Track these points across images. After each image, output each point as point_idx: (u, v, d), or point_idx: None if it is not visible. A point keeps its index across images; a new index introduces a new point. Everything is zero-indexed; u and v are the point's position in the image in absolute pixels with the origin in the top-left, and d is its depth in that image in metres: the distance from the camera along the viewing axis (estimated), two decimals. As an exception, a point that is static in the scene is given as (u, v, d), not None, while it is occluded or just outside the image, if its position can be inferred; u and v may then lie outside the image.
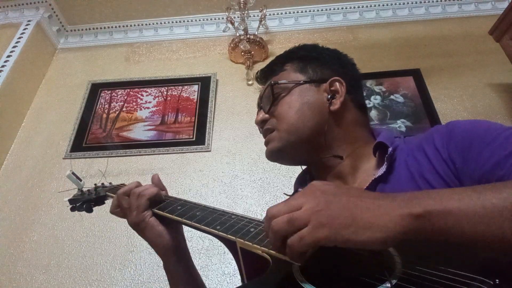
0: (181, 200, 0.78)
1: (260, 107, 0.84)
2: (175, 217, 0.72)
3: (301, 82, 0.79)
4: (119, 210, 0.82)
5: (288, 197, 0.87)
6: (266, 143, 0.80)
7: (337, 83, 0.78)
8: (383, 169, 0.67)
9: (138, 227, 0.77)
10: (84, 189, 1.03)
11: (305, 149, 0.77)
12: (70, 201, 1.00)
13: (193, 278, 0.81)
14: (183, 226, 0.78)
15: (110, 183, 1.05)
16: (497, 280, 0.39)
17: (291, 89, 0.79)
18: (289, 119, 0.76)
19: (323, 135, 0.75)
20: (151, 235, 0.76)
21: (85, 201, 0.98)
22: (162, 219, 0.77)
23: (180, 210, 0.73)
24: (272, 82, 0.80)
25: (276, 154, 0.79)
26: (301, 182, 0.85)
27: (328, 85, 0.78)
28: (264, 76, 0.87)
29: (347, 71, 0.82)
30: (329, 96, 0.77)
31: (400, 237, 0.43)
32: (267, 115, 0.81)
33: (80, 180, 1.04)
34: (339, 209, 0.46)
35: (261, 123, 0.82)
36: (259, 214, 1.69)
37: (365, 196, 0.48)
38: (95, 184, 1.03)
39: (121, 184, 1.02)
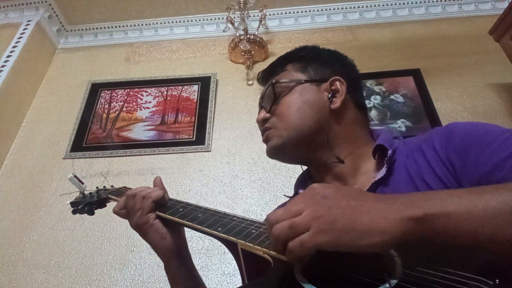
0: (183, 202, 0.78)
1: (261, 106, 0.85)
2: (177, 219, 0.72)
3: (302, 81, 0.79)
4: (123, 211, 0.81)
5: (288, 198, 0.88)
6: (266, 141, 0.81)
7: (337, 82, 0.79)
8: (382, 172, 0.67)
9: (141, 229, 0.77)
10: (86, 192, 1.03)
11: (305, 147, 0.77)
12: (72, 204, 1.00)
13: (194, 280, 0.81)
14: (184, 228, 0.79)
15: (112, 186, 1.05)
16: (497, 280, 0.40)
17: (292, 88, 0.79)
18: (290, 117, 0.77)
19: (324, 133, 0.76)
20: (154, 238, 0.76)
21: (87, 204, 0.98)
22: (164, 222, 0.77)
23: (182, 212, 0.74)
24: (274, 81, 0.81)
25: (277, 151, 0.79)
26: (302, 183, 0.86)
27: (328, 84, 0.79)
28: (265, 77, 0.88)
29: (347, 71, 0.83)
30: (329, 95, 0.77)
31: (400, 241, 0.44)
32: (268, 114, 0.81)
33: (82, 183, 1.04)
34: (339, 214, 0.46)
35: (262, 122, 0.82)
36: (259, 214, 1.69)
37: (364, 199, 0.48)
38: (97, 187, 1.03)
39: (123, 186, 1.02)
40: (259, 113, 0.85)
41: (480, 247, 0.43)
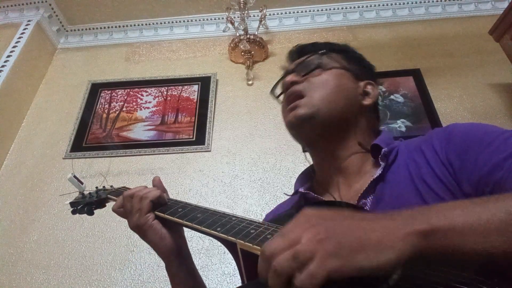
0: (182, 202, 0.78)
1: (291, 72, 0.82)
2: (176, 219, 0.72)
3: (346, 67, 0.81)
4: (122, 210, 0.81)
5: (289, 197, 0.87)
6: (292, 108, 0.77)
7: (371, 86, 0.82)
8: (380, 170, 0.67)
9: (140, 229, 0.77)
10: (85, 192, 1.03)
11: (330, 127, 0.75)
12: (71, 204, 1.00)
13: (194, 280, 0.81)
14: (184, 228, 0.79)
15: (111, 186, 1.05)
16: (496, 280, 0.39)
17: (334, 67, 0.80)
18: (326, 90, 0.76)
19: (349, 123, 0.77)
20: (154, 238, 0.76)
21: (86, 204, 0.98)
22: (164, 222, 0.77)
23: (181, 212, 0.73)
24: (322, 51, 0.81)
25: (303, 122, 0.75)
26: (302, 181, 0.85)
27: (364, 84, 0.81)
28: (302, 51, 0.87)
29: (377, 81, 0.86)
30: (363, 92, 0.80)
31: (409, 257, 0.40)
32: (301, 78, 0.79)
33: (82, 183, 1.04)
34: (344, 234, 0.41)
35: (291, 84, 0.79)
36: (259, 214, 1.69)
37: (365, 217, 0.45)
38: (97, 187, 1.03)
39: (123, 187, 1.02)
40: (286, 77, 0.81)
41: (489, 259, 0.41)
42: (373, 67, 0.89)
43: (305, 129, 0.77)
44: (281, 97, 0.88)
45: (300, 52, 0.86)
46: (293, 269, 0.39)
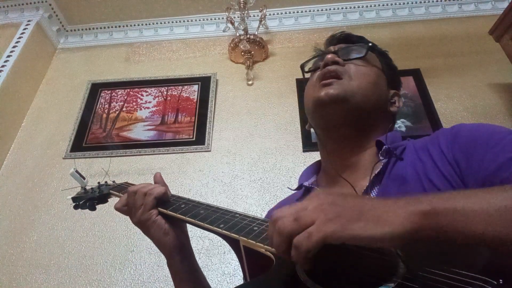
0: (185, 198, 0.78)
1: (333, 52, 0.81)
2: (179, 215, 0.72)
3: (384, 71, 0.84)
4: (125, 208, 0.81)
5: (292, 192, 0.88)
6: (326, 85, 0.76)
7: (398, 97, 0.85)
8: (380, 165, 0.69)
9: (144, 225, 0.77)
10: (88, 187, 1.03)
11: (355, 115, 0.75)
12: (73, 199, 1.00)
13: (197, 277, 0.82)
14: (187, 224, 0.78)
15: (114, 182, 1.05)
16: (500, 280, 0.39)
17: (375, 66, 0.82)
18: (365, 82, 0.77)
19: (375, 119, 0.79)
20: (157, 234, 0.76)
21: (88, 199, 0.97)
22: (166, 218, 0.77)
23: (184, 208, 0.73)
24: (371, 44, 0.84)
25: (334, 100, 0.74)
26: (307, 175, 0.85)
27: (393, 93, 0.84)
28: (344, 39, 0.89)
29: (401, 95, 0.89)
30: (390, 99, 0.83)
31: (408, 235, 0.42)
32: (343, 62, 0.79)
33: (84, 178, 1.04)
34: (346, 206, 0.45)
35: (332, 63, 0.78)
36: (259, 214, 1.69)
37: (370, 199, 0.49)
38: (99, 182, 1.03)
39: (125, 182, 1.02)
40: (327, 56, 0.80)
41: (489, 244, 0.42)
42: (401, 82, 0.93)
43: (332, 110, 0.75)
44: (308, 75, 0.89)
45: (344, 40, 0.88)
46: (294, 230, 0.44)
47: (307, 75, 0.89)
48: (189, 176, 1.87)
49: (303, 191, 0.80)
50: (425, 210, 0.43)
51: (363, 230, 0.42)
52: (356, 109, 0.75)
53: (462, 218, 0.42)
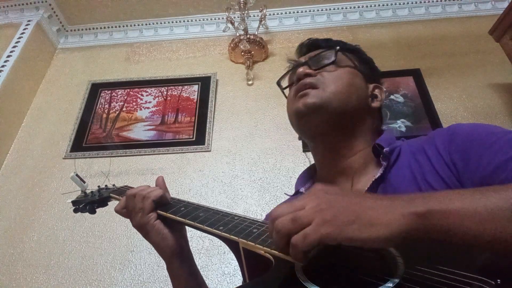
0: (184, 201, 0.78)
1: (303, 64, 0.82)
2: (179, 218, 0.72)
3: (358, 68, 0.82)
4: (125, 211, 0.81)
5: (289, 197, 0.88)
6: (302, 96, 0.76)
7: (379, 90, 0.83)
8: (382, 169, 0.68)
9: (143, 229, 0.77)
10: (87, 191, 1.03)
11: (336, 121, 0.75)
12: (73, 202, 1.00)
13: (196, 280, 0.81)
14: (186, 228, 0.78)
15: (114, 185, 1.05)
16: (498, 280, 0.39)
17: (347, 66, 0.81)
18: (339, 86, 0.76)
19: (357, 121, 0.78)
20: (156, 238, 0.76)
21: (88, 203, 0.98)
22: (166, 221, 0.77)
23: (183, 211, 0.73)
24: (338, 47, 0.81)
25: (312, 110, 0.74)
26: (303, 180, 0.85)
27: (373, 87, 0.82)
28: (314, 46, 0.88)
29: (383, 86, 0.87)
30: (370, 95, 0.81)
31: (403, 236, 0.43)
32: (314, 72, 0.79)
33: (84, 182, 1.04)
34: (343, 208, 0.46)
35: (304, 76, 0.78)
36: (259, 214, 1.69)
37: (368, 196, 0.49)
38: (99, 186, 1.03)
39: (125, 185, 1.02)
40: (298, 69, 0.80)
41: (483, 245, 0.43)
42: (380, 72, 0.90)
43: (313, 119, 0.76)
44: (286, 91, 0.89)
45: (312, 47, 0.87)
46: (291, 230, 0.46)
47: (286, 91, 0.89)
48: (189, 176, 1.88)
49: None
50: (420, 212, 0.44)
51: (358, 232, 0.43)
52: (336, 115, 0.74)
53: (456, 219, 0.43)
